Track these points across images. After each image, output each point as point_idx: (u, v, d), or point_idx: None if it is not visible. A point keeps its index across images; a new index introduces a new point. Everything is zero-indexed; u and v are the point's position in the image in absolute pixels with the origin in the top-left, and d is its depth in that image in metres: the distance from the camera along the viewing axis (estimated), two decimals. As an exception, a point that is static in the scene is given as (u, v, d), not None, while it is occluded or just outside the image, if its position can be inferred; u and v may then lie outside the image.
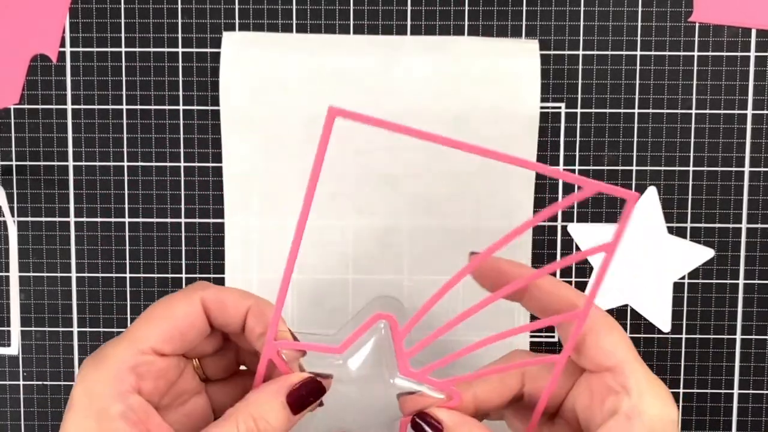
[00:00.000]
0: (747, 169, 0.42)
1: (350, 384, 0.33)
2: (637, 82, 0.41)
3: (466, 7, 0.41)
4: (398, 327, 0.32)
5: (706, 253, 0.42)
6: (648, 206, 0.42)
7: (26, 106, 0.42)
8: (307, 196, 0.29)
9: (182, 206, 0.42)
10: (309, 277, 0.42)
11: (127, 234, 0.42)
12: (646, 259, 0.42)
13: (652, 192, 0.42)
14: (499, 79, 0.40)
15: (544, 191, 0.42)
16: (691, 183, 0.42)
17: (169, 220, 0.42)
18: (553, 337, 0.42)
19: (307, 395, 0.31)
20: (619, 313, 0.42)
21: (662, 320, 0.42)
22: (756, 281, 0.42)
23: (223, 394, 0.34)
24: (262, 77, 0.40)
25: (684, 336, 0.42)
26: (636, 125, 0.41)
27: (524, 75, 0.40)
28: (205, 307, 0.32)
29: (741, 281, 0.42)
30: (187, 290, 0.32)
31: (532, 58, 0.40)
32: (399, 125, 0.28)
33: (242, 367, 0.35)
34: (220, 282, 0.42)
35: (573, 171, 0.42)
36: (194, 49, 0.41)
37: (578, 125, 0.42)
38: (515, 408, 0.34)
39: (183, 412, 0.33)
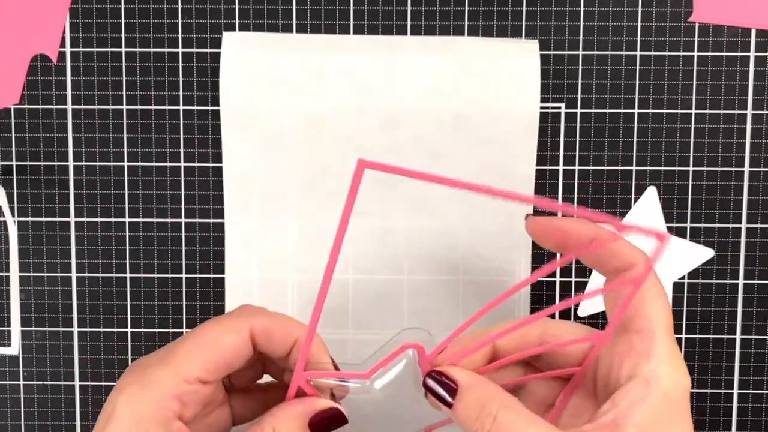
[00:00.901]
0: (747, 169, 0.42)
1: (377, 405, 0.34)
2: (637, 82, 0.41)
3: (466, 7, 0.41)
4: (425, 353, 0.32)
5: (705, 253, 0.42)
6: (648, 206, 0.42)
7: (26, 106, 0.42)
8: (334, 248, 0.29)
9: (182, 206, 0.42)
10: (309, 277, 0.42)
11: (127, 234, 0.42)
12: None
13: (652, 192, 0.42)
14: (499, 79, 0.40)
15: (544, 191, 0.42)
16: (690, 183, 0.42)
17: (169, 220, 0.42)
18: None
19: (329, 423, 0.32)
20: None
21: None
22: (756, 281, 0.42)
23: (244, 405, 0.35)
24: (262, 77, 0.40)
25: (684, 336, 0.42)
26: (636, 125, 0.41)
27: (524, 75, 0.40)
28: (252, 335, 0.32)
29: (741, 281, 0.42)
30: (235, 317, 0.32)
31: (532, 58, 0.40)
32: (427, 175, 0.28)
33: (265, 377, 0.36)
34: (220, 282, 0.42)
35: (573, 171, 0.42)
36: (194, 50, 0.41)
37: (578, 125, 0.42)
38: (533, 370, 0.35)
39: (206, 422, 0.34)
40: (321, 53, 0.41)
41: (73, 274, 0.43)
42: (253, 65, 0.41)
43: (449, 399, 0.31)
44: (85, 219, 0.42)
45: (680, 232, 0.42)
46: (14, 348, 0.42)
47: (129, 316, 0.43)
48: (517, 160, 0.41)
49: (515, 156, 0.41)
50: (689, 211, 0.42)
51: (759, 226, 0.42)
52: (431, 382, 0.32)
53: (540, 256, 0.42)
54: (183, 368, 0.31)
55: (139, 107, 0.42)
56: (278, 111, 0.41)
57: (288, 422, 0.31)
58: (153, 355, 0.32)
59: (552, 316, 0.42)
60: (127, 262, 0.42)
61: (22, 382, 0.43)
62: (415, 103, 0.40)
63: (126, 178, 0.42)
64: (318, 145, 0.41)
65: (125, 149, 0.42)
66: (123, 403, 0.30)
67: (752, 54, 0.41)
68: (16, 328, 0.42)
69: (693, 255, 0.42)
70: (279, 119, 0.41)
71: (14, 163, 0.42)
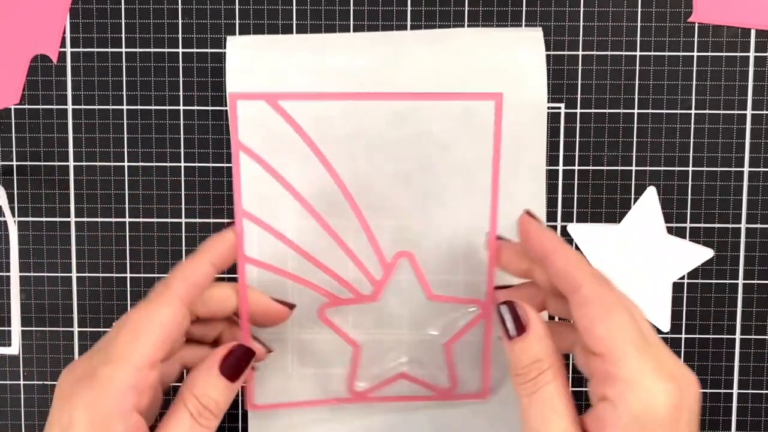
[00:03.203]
0: (746, 169, 0.42)
1: (389, 320, 0.40)
2: (637, 82, 0.41)
3: (466, 8, 0.41)
4: (416, 260, 0.39)
5: (705, 253, 0.42)
6: (648, 206, 0.42)
7: (27, 107, 0.42)
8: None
9: (182, 206, 0.42)
10: (309, 277, 0.42)
11: (127, 234, 0.42)
12: (645, 259, 0.42)
13: (651, 192, 0.42)
14: (504, 69, 0.40)
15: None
16: (690, 183, 0.42)
17: (169, 220, 0.42)
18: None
19: (237, 362, 0.34)
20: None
21: (661, 320, 0.42)
22: (755, 281, 0.42)
23: (192, 353, 0.37)
24: (268, 80, 0.40)
25: (683, 336, 0.42)
26: (636, 125, 0.42)
27: (529, 64, 0.40)
28: (186, 304, 0.34)
29: (740, 281, 0.42)
30: (162, 293, 0.33)
31: (536, 46, 0.40)
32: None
33: None
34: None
35: (573, 171, 0.42)
36: (194, 50, 0.41)
37: (578, 125, 0.42)
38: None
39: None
40: (324, 53, 0.41)
41: (73, 274, 0.43)
42: (259, 69, 0.40)
43: (514, 333, 0.32)
44: (85, 219, 0.42)
45: (680, 232, 0.42)
46: (14, 348, 0.42)
47: (129, 316, 0.43)
48: (526, 151, 0.41)
49: (524, 147, 0.41)
50: (689, 211, 0.42)
51: (758, 226, 0.42)
52: (504, 311, 0.33)
53: (540, 256, 0.42)
54: (131, 359, 0.31)
55: (139, 107, 0.42)
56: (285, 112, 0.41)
57: (203, 382, 0.33)
58: (92, 354, 0.32)
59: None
60: (127, 262, 0.42)
61: (22, 382, 0.43)
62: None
63: (126, 178, 0.42)
64: (325, 143, 0.41)
65: (125, 149, 0.42)
66: (79, 409, 0.30)
67: (752, 54, 0.41)
68: (16, 328, 0.42)
69: (692, 255, 0.42)
70: (286, 120, 0.41)
71: (14, 163, 0.42)
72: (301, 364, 0.41)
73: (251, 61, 0.41)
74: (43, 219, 0.42)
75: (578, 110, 0.42)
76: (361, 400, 0.41)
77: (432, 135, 0.40)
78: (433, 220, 0.41)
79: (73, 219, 0.42)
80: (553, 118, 0.42)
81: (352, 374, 0.40)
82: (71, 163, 0.42)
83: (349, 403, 0.41)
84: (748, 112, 0.41)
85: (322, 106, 0.40)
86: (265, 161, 0.38)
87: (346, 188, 0.40)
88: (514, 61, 0.40)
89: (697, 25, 0.41)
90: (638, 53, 0.41)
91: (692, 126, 0.42)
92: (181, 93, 0.42)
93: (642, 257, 0.42)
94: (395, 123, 0.40)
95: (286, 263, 0.41)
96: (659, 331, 0.42)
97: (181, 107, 0.42)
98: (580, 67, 0.41)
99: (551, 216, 0.42)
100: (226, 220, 0.42)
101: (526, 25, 0.41)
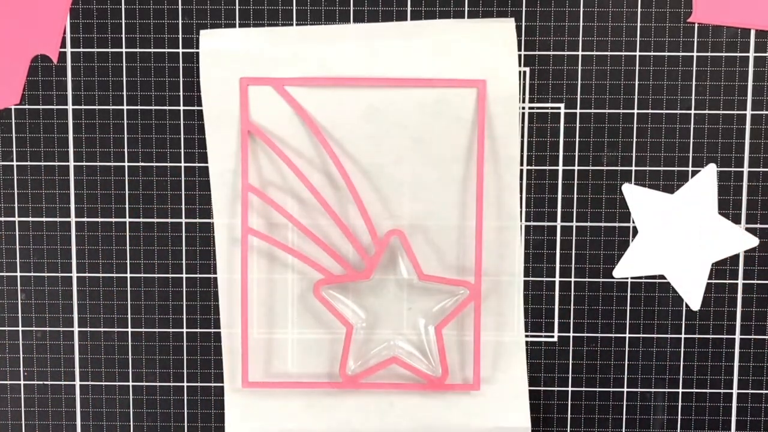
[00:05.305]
0: (746, 169, 0.42)
1: (382, 301, 0.42)
2: (637, 82, 0.41)
3: (466, 9, 0.41)
4: (407, 239, 0.40)
5: (751, 241, 0.42)
6: (704, 183, 0.41)
7: (27, 107, 0.42)
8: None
9: (182, 206, 0.42)
10: (306, 276, 0.42)
11: (127, 234, 0.42)
12: (691, 235, 0.42)
13: (711, 169, 0.41)
14: (476, 60, 0.40)
15: (543, 191, 0.42)
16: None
17: (169, 220, 0.42)
18: (552, 336, 0.42)
19: None
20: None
21: (694, 298, 0.42)
22: (755, 281, 0.42)
23: None
24: (241, 73, 0.40)
25: (683, 336, 0.42)
26: (635, 125, 0.42)
27: (501, 54, 0.40)
28: None
29: (740, 281, 0.42)
30: None
31: (508, 36, 0.40)
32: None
33: None
34: (215, 282, 0.42)
35: (573, 171, 0.42)
36: (194, 50, 0.41)
37: (578, 125, 0.42)
38: None
39: None
40: (297, 45, 0.41)
41: (74, 274, 0.43)
42: (231, 62, 0.41)
43: None
44: (85, 219, 0.42)
45: (680, 232, 0.42)
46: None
47: (129, 316, 0.43)
48: (500, 141, 0.41)
49: (498, 137, 0.41)
50: (689, 211, 0.42)
51: (758, 226, 0.42)
52: None
53: (539, 256, 0.42)
54: None
55: (139, 107, 0.42)
56: (259, 107, 0.41)
57: None
58: None
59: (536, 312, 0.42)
60: (127, 262, 0.42)
61: (22, 382, 0.43)
62: (397, 90, 0.41)
63: (126, 178, 0.42)
64: (301, 138, 0.41)
65: (125, 149, 0.42)
66: None
67: (751, 54, 0.41)
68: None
69: (739, 240, 0.41)
70: (260, 115, 0.41)
71: (15, 163, 0.42)
72: (297, 344, 0.42)
73: (224, 54, 0.41)
74: (43, 219, 0.42)
75: (578, 110, 0.42)
76: (352, 386, 0.41)
77: (407, 128, 0.41)
78: (409, 211, 0.41)
79: (73, 219, 0.42)
80: (553, 118, 0.42)
81: (344, 355, 0.41)
82: (71, 163, 0.42)
83: (341, 388, 0.41)
84: (748, 112, 0.41)
85: (298, 97, 0.40)
86: (271, 140, 0.40)
87: (343, 169, 0.40)
88: (485, 51, 0.40)
89: (696, 25, 0.41)
90: (638, 53, 0.41)
91: (692, 126, 0.42)
92: (181, 93, 0.42)
93: (688, 231, 0.42)
94: (369, 117, 0.41)
95: (286, 239, 0.41)
96: (659, 331, 0.42)
97: (181, 107, 0.42)
98: (580, 67, 0.41)
99: (551, 216, 0.42)
100: (214, 221, 0.42)
101: (526, 25, 0.41)
